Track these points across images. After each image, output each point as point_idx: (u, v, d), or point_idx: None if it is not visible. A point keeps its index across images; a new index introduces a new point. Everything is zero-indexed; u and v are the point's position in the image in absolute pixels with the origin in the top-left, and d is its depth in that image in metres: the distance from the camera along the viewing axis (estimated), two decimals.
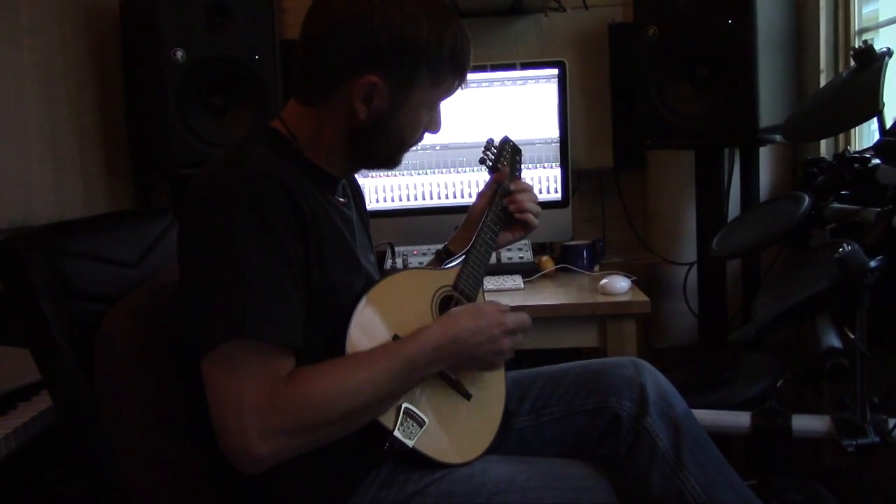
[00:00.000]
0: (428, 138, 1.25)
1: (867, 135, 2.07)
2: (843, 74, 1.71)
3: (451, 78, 1.16)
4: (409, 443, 1.12)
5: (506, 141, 1.45)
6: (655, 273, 2.40)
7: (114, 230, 1.34)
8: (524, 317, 1.22)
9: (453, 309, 1.20)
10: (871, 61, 1.55)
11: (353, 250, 1.18)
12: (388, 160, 1.22)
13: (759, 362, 1.70)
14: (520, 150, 1.46)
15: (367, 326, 1.12)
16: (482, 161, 1.42)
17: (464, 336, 1.14)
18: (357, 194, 1.37)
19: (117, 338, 1.11)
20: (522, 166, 1.47)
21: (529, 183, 1.43)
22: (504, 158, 1.42)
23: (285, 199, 1.05)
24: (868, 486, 1.38)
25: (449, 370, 1.18)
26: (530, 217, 1.38)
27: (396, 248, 2.11)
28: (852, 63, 1.63)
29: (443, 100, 1.19)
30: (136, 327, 1.14)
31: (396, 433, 1.11)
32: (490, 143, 1.43)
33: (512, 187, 1.38)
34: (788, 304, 1.31)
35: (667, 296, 2.36)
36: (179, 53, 1.96)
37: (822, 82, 2.10)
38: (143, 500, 1.12)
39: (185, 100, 1.99)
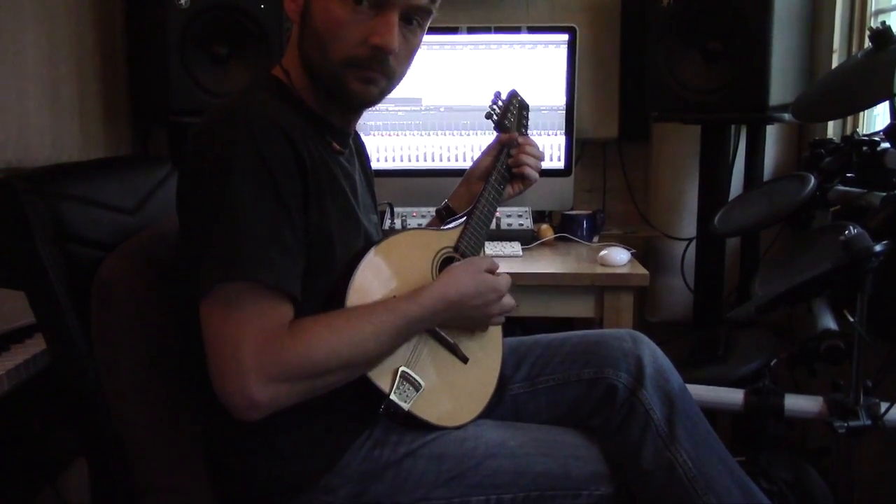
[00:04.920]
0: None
1: (872, 119, 2.06)
2: (858, 55, 1.69)
3: None
4: (405, 406, 1.12)
5: (513, 95, 1.41)
6: (653, 247, 2.40)
7: (112, 176, 1.32)
8: (507, 278, 1.23)
9: (453, 268, 1.18)
10: (888, 43, 1.54)
11: (353, 204, 1.16)
12: (330, 78, 1.09)
13: (753, 341, 1.71)
14: (527, 106, 1.43)
15: (368, 287, 1.11)
16: (488, 116, 1.39)
17: (462, 299, 1.15)
18: (361, 152, 1.35)
19: (115, 283, 1.10)
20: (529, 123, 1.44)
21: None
22: (511, 114, 1.39)
23: (286, 146, 1.03)
24: (853, 467, 1.40)
25: (444, 329, 1.18)
26: (527, 170, 1.37)
27: (396, 209, 2.09)
28: (868, 44, 1.61)
29: None
30: (133, 274, 1.13)
31: (393, 397, 1.10)
32: (497, 96, 1.39)
33: (519, 140, 1.37)
34: (791, 283, 1.31)
35: (663, 270, 2.36)
36: None
37: (835, 62, 2.08)
38: (136, 447, 1.12)
39: (187, 46, 1.94)
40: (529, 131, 1.46)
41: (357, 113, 1.21)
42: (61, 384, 1.13)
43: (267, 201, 1.00)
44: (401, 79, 1.14)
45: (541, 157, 1.40)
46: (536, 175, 1.38)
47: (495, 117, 1.38)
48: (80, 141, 1.98)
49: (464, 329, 1.22)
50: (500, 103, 1.39)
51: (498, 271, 1.23)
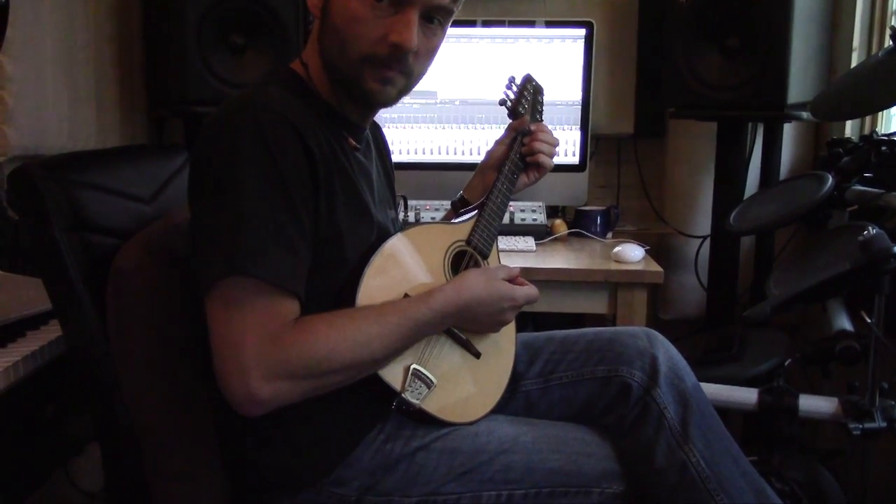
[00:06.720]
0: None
1: (891, 118, 2.05)
2: (879, 54, 1.67)
3: None
4: (417, 403, 1.12)
5: (527, 79, 1.39)
6: (667, 244, 2.39)
7: (130, 164, 1.33)
8: (533, 292, 1.21)
9: (468, 273, 1.17)
10: None
11: (365, 200, 1.14)
12: (348, 75, 1.08)
13: (767, 340, 1.70)
14: (542, 90, 1.40)
15: (379, 283, 1.10)
16: (502, 102, 1.36)
17: (472, 305, 1.14)
18: (382, 147, 1.34)
19: (131, 273, 1.10)
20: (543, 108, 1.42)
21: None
22: (525, 100, 1.37)
23: (296, 141, 1.02)
24: (867, 468, 1.39)
25: (455, 328, 1.18)
26: (541, 158, 1.35)
27: (410, 202, 2.09)
28: (889, 42, 1.59)
29: None
30: (149, 263, 1.13)
31: (404, 395, 1.10)
32: (511, 81, 1.36)
33: (532, 127, 1.35)
34: (807, 283, 1.30)
35: (677, 267, 2.35)
36: None
37: (854, 61, 2.06)
38: (149, 435, 1.12)
39: (204, 36, 1.94)
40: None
41: (374, 109, 1.21)
42: (76, 371, 1.13)
43: (272, 197, 0.99)
44: (420, 78, 1.14)
45: (555, 143, 1.38)
46: (551, 162, 1.37)
47: (509, 104, 1.36)
48: (96, 128, 1.99)
49: (472, 331, 1.21)
50: (513, 88, 1.36)
51: (518, 278, 1.21)
